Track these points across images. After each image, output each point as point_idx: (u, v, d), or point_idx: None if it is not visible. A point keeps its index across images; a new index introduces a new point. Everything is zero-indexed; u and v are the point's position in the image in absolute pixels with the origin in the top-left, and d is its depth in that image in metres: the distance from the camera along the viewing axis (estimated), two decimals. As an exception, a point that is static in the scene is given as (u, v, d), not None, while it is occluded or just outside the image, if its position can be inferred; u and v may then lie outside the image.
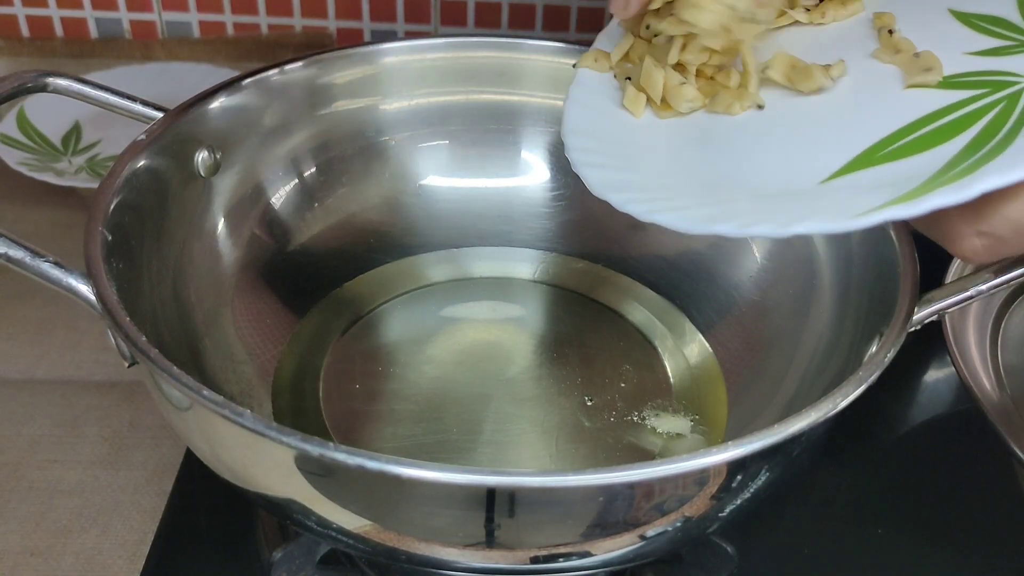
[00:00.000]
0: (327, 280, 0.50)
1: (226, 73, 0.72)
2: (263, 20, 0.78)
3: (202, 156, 0.45)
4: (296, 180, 0.50)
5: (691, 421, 0.44)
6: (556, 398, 0.45)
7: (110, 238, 0.37)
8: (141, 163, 0.41)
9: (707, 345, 0.48)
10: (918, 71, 0.35)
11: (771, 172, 0.35)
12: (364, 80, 0.51)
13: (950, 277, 0.49)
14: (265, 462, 0.32)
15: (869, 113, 0.35)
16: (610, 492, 0.30)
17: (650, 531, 0.32)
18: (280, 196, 0.49)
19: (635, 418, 0.44)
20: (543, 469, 0.42)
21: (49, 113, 0.67)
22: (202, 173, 0.45)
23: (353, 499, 0.32)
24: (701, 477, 0.31)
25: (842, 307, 0.43)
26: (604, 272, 0.52)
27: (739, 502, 0.33)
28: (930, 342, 0.53)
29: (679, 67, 0.39)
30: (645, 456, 0.43)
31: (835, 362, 0.40)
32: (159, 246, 0.42)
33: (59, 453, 0.47)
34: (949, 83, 0.34)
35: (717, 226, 0.32)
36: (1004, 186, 0.27)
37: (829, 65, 0.37)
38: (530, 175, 0.54)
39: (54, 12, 0.78)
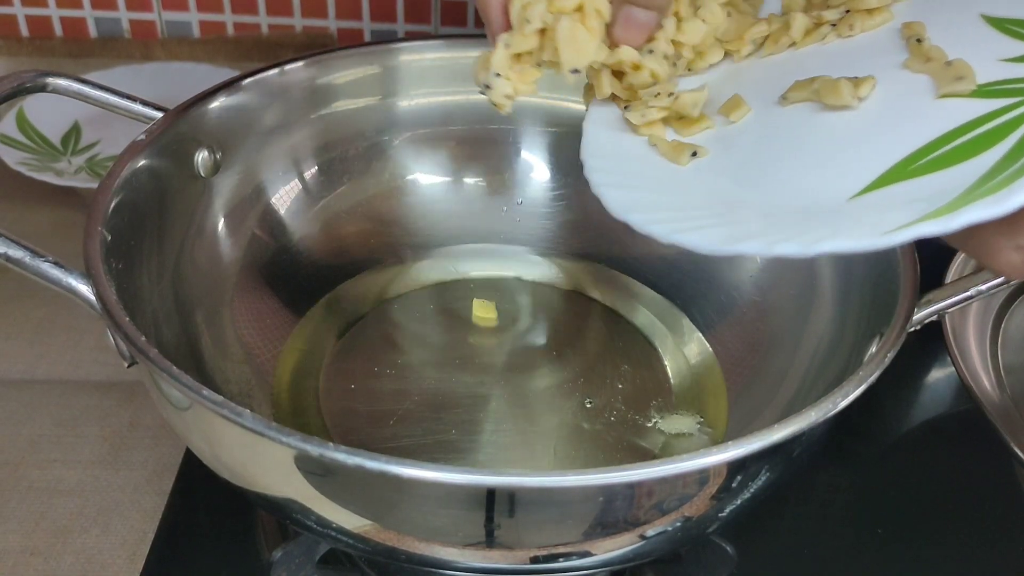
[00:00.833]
0: (327, 280, 0.50)
1: (226, 73, 0.72)
2: (263, 20, 0.78)
3: (202, 156, 0.45)
4: (296, 180, 0.50)
5: (697, 422, 0.44)
6: (556, 399, 0.45)
7: (110, 238, 0.37)
8: (141, 163, 0.41)
9: (707, 345, 0.48)
10: (950, 80, 0.34)
11: (797, 188, 0.34)
12: (364, 80, 0.51)
13: (950, 277, 0.49)
14: (265, 462, 0.32)
15: (900, 125, 0.34)
16: (610, 492, 0.30)
17: (650, 531, 0.32)
18: (280, 196, 0.49)
19: (636, 418, 0.44)
20: (543, 469, 0.42)
21: (49, 113, 0.67)
22: (202, 173, 0.45)
23: (353, 499, 0.32)
24: (701, 477, 0.31)
25: (842, 307, 0.43)
26: (604, 272, 0.52)
27: (739, 502, 0.33)
28: (930, 342, 0.54)
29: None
30: (646, 456, 0.43)
31: (835, 362, 0.40)
32: (159, 246, 0.42)
33: (59, 453, 0.47)
34: (983, 92, 0.33)
35: (740, 246, 0.30)
36: None
37: (858, 79, 0.36)
38: (530, 175, 0.54)
39: (53, 12, 0.77)
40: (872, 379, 0.33)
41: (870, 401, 0.32)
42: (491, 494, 0.29)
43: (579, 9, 0.37)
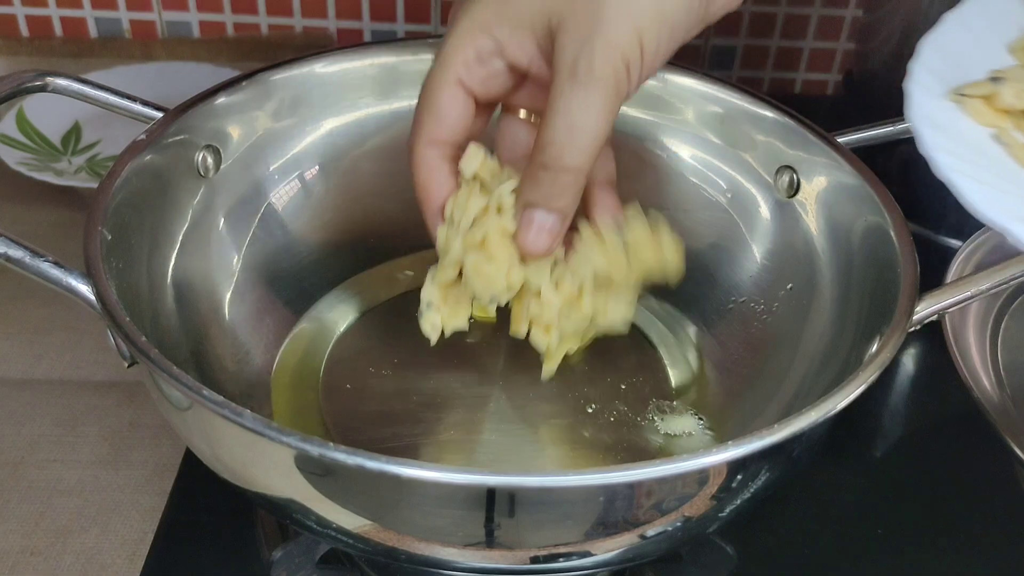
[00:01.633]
0: (327, 279, 0.50)
1: (226, 73, 0.72)
2: (263, 20, 0.78)
3: (202, 156, 0.45)
4: (296, 180, 0.50)
5: (699, 421, 0.44)
6: (556, 398, 0.45)
7: (110, 238, 0.37)
8: (141, 163, 0.41)
9: (707, 344, 0.48)
10: None
11: None
12: (364, 80, 0.51)
13: (950, 277, 0.49)
14: (265, 462, 0.32)
15: None
16: (610, 492, 0.30)
17: (650, 531, 0.32)
18: (280, 196, 0.49)
19: (636, 419, 0.44)
20: (543, 469, 0.42)
21: (49, 113, 0.67)
22: (202, 173, 0.45)
23: (353, 499, 0.32)
24: (701, 477, 0.31)
25: (842, 307, 0.43)
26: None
27: (739, 502, 0.33)
28: (930, 342, 0.54)
29: None
30: (646, 456, 0.43)
31: (835, 362, 0.40)
32: (159, 246, 0.42)
33: (59, 453, 0.47)
34: None
35: None
36: None
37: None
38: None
39: (53, 12, 0.77)
40: (872, 379, 0.33)
41: (870, 401, 0.32)
42: (491, 494, 0.29)
43: (482, 244, 0.37)
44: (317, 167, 0.51)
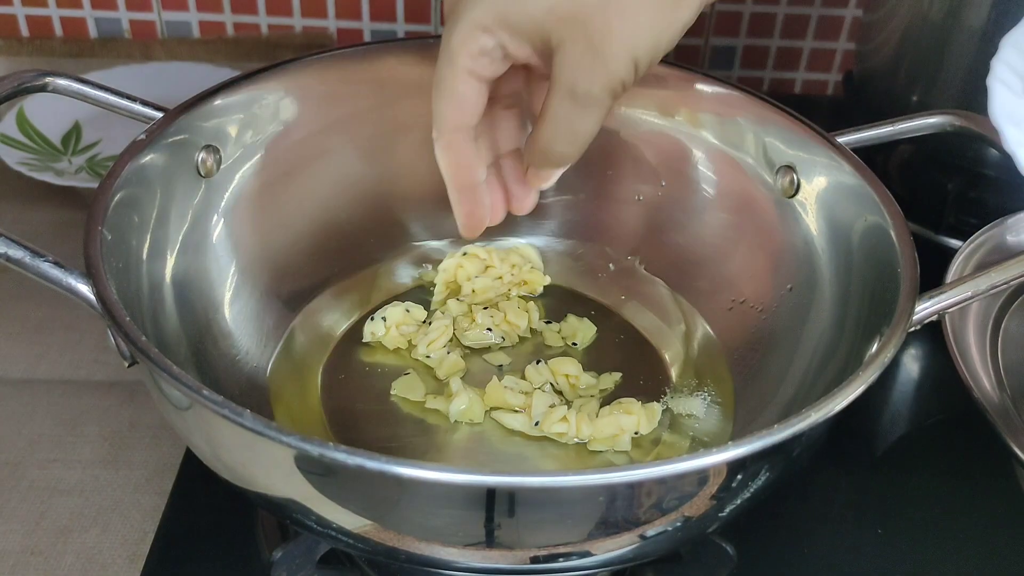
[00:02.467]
0: (327, 279, 0.50)
1: (226, 73, 0.72)
2: (263, 20, 0.78)
3: (202, 156, 0.45)
4: (296, 179, 0.50)
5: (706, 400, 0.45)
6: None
7: (110, 238, 0.37)
8: (141, 163, 0.41)
9: (707, 344, 0.48)
10: None
11: None
12: (363, 80, 0.51)
13: (950, 277, 0.49)
14: (265, 462, 0.32)
15: None
16: (610, 492, 0.30)
17: (650, 531, 0.32)
18: (280, 196, 0.49)
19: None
20: (543, 469, 0.42)
21: (49, 113, 0.67)
22: (202, 173, 0.45)
23: (353, 499, 0.32)
24: (701, 477, 0.31)
25: (842, 307, 0.43)
26: (604, 271, 0.52)
27: (739, 502, 0.33)
28: (930, 342, 0.54)
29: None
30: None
31: (835, 362, 0.40)
32: (159, 246, 0.42)
33: (59, 453, 0.47)
34: None
35: None
36: None
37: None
38: (530, 175, 0.54)
39: (53, 12, 0.77)
40: (872, 379, 0.33)
41: (870, 401, 0.32)
42: (491, 494, 0.29)
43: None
44: (317, 167, 0.51)
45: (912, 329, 0.36)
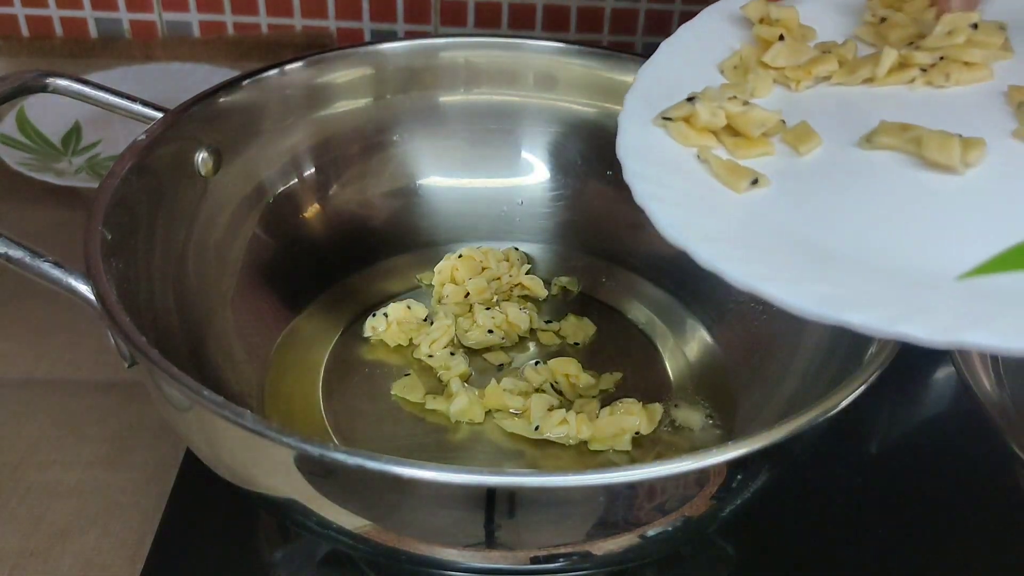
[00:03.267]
0: (327, 279, 0.50)
1: (226, 73, 0.72)
2: (263, 20, 0.78)
3: (202, 156, 0.45)
4: (296, 180, 0.50)
5: (707, 416, 0.44)
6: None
7: (110, 238, 0.37)
8: (141, 163, 0.41)
9: (707, 344, 0.48)
10: None
11: (894, 253, 0.29)
12: (363, 80, 0.51)
13: (950, 277, 0.49)
14: (265, 462, 0.32)
15: (1017, 201, 0.30)
16: (610, 492, 0.30)
17: (650, 531, 0.32)
18: (280, 196, 0.49)
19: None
20: (543, 469, 0.42)
21: (49, 113, 0.67)
22: (202, 173, 0.45)
23: (353, 499, 0.32)
24: (701, 477, 0.31)
25: (842, 307, 0.42)
26: (604, 271, 0.52)
27: (739, 502, 0.33)
28: (930, 342, 0.53)
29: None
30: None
31: (835, 362, 0.40)
32: (159, 246, 0.42)
33: (59, 453, 0.47)
34: None
35: (849, 314, 0.26)
36: None
37: (967, 140, 0.31)
38: (530, 175, 0.54)
39: (54, 12, 0.78)
40: (872, 379, 0.33)
41: (870, 401, 0.32)
42: (491, 494, 0.29)
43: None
44: (316, 167, 0.51)
45: (912, 329, 0.36)
